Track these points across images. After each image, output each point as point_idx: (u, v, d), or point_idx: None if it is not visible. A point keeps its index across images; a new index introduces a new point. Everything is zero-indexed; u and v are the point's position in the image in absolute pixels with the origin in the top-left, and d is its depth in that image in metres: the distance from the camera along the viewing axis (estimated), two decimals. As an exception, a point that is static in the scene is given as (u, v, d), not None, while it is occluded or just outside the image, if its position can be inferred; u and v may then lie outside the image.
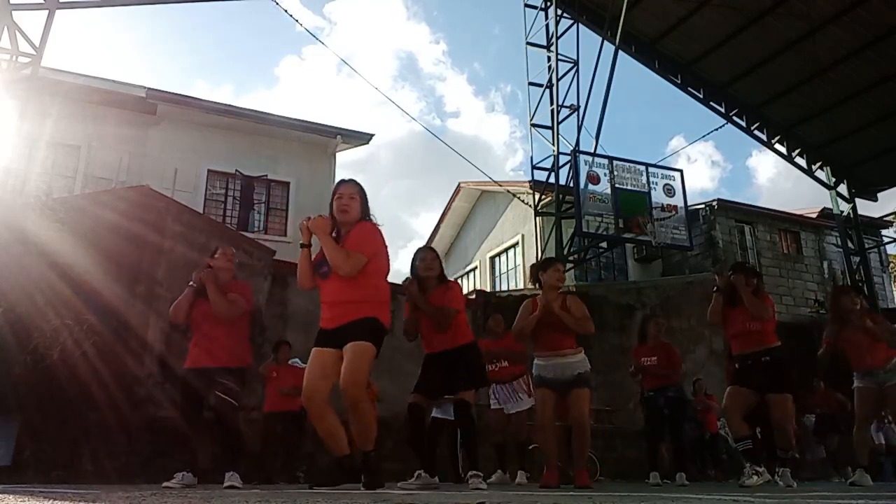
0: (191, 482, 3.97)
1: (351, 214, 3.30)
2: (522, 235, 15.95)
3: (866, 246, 15.35)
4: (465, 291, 16.90)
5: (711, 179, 67.39)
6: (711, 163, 68.12)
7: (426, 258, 4.20)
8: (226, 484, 3.98)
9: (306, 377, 3.19)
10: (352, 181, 3.42)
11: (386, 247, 3.37)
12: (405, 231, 62.61)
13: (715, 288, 4.89)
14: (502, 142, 77.56)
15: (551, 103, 13.31)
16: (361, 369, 3.12)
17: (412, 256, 4.31)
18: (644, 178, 12.35)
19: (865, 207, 15.70)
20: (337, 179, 3.52)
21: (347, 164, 59.60)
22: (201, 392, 4.14)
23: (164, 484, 3.89)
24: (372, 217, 3.40)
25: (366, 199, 3.40)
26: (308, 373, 3.21)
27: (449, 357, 3.97)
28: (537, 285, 4.60)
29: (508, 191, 15.07)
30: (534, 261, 5.34)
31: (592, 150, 12.27)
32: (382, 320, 3.24)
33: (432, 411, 5.80)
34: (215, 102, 12.85)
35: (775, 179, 63.16)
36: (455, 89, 75.90)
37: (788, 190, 58.71)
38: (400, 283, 4.26)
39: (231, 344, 4.22)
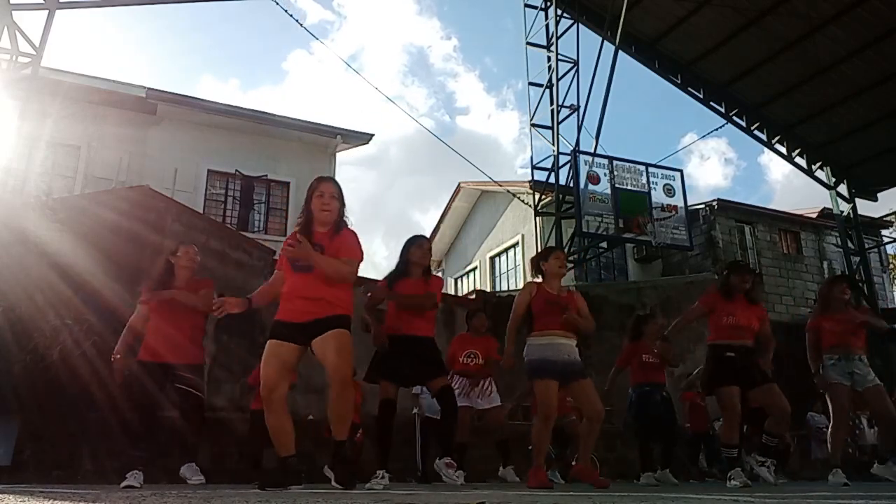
0: (141, 481, 3.82)
1: (332, 214, 3.35)
2: (522, 235, 15.95)
3: (866, 246, 15.35)
4: (465, 291, 16.88)
5: (725, 178, 67.22)
6: (725, 160, 67.86)
7: (423, 247, 4.27)
8: (192, 479, 3.97)
9: (268, 370, 3.16)
10: (332, 179, 3.45)
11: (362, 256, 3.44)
12: (414, 228, 62.57)
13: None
14: (512, 139, 77.52)
15: (551, 103, 13.31)
16: (350, 353, 3.19)
17: (407, 242, 4.30)
18: (644, 178, 12.36)
19: (865, 207, 15.74)
20: (341, 178, 3.57)
21: (356, 160, 59.41)
22: (160, 386, 4.11)
23: (123, 484, 3.72)
24: (347, 219, 3.44)
25: (343, 199, 3.42)
26: (269, 366, 3.16)
27: (426, 343, 4.05)
28: (540, 276, 4.50)
29: (508, 191, 15.07)
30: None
31: (592, 150, 12.28)
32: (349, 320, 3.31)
33: (421, 409, 5.84)
34: (215, 102, 12.85)
35: (790, 176, 63.03)
36: (466, 85, 75.81)
37: (801, 187, 58.60)
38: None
39: (191, 340, 4.24)
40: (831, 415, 4.93)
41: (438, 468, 3.96)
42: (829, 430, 4.95)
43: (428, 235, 20.11)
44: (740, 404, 4.56)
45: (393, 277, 4.27)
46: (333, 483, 3.16)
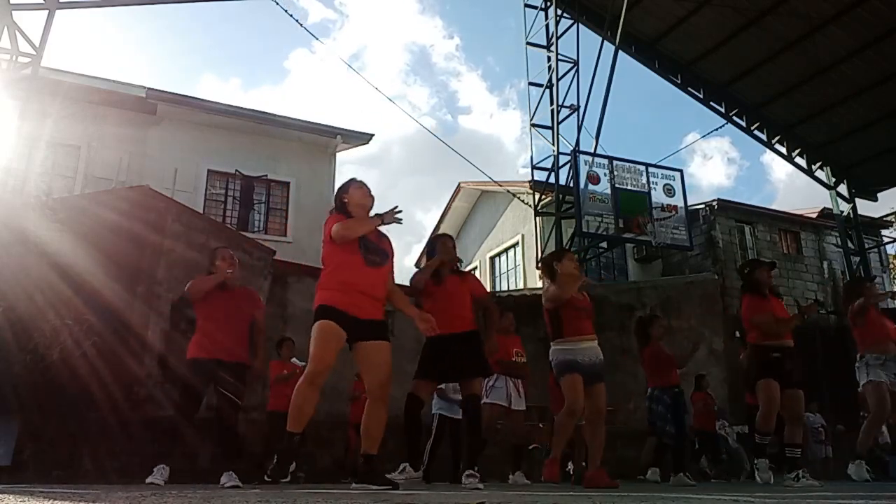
0: (166, 476, 3.92)
1: (372, 204, 3.53)
2: (522, 235, 15.95)
3: (866, 246, 15.35)
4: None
5: (728, 177, 67.06)
6: (728, 160, 67.69)
7: (448, 244, 4.33)
8: (229, 484, 3.98)
9: (328, 353, 3.20)
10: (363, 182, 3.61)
11: None
12: (416, 228, 62.55)
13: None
14: (514, 138, 77.32)
15: (551, 103, 13.31)
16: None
17: (430, 242, 4.43)
18: (644, 178, 12.35)
19: (865, 207, 15.73)
20: (341, 178, 3.73)
21: (358, 160, 59.38)
22: (205, 383, 4.20)
23: (148, 480, 3.85)
24: None
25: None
26: (329, 348, 3.19)
27: (468, 339, 4.03)
28: (548, 280, 4.50)
29: (508, 191, 15.07)
30: (534, 261, 5.33)
31: (592, 150, 12.28)
32: None
33: (434, 407, 5.83)
34: (215, 102, 12.85)
35: (792, 175, 62.95)
36: (468, 85, 75.71)
37: (803, 186, 58.36)
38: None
39: (237, 341, 4.33)
40: (870, 409, 4.96)
41: (468, 482, 3.85)
42: (866, 422, 4.99)
43: (428, 235, 20.13)
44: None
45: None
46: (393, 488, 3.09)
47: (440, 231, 19.18)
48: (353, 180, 3.56)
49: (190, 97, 12.68)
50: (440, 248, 4.27)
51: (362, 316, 3.22)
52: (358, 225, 3.30)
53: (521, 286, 15.13)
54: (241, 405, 4.33)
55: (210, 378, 4.19)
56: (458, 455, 5.71)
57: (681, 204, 12.48)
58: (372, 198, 3.50)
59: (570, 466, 6.53)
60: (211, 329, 4.27)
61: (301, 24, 10.94)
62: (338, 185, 3.65)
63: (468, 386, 4.00)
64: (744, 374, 5.13)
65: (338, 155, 13.74)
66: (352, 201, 3.43)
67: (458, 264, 4.37)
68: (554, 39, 13.49)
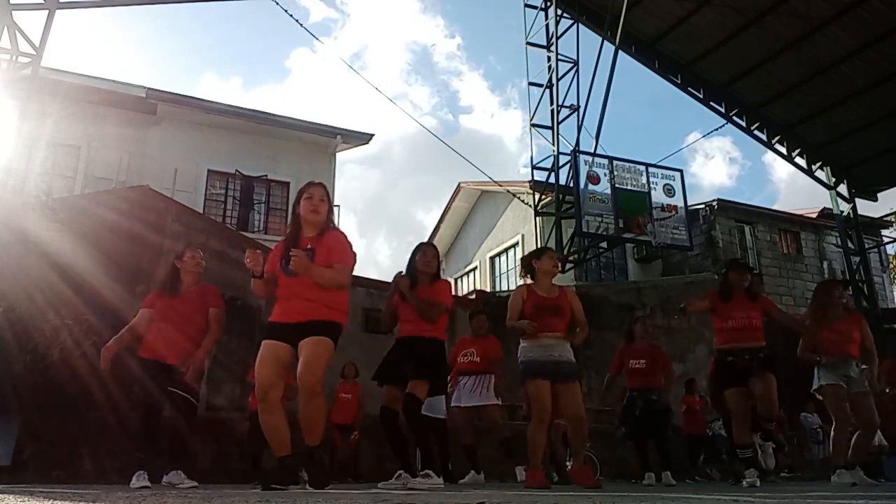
0: (146, 482, 3.85)
1: (321, 216, 3.43)
2: (522, 235, 15.96)
3: (866, 246, 15.34)
4: (465, 291, 16.76)
5: (730, 177, 66.94)
6: (729, 160, 67.55)
7: (427, 254, 4.29)
8: (189, 485, 3.95)
9: (262, 370, 3.19)
10: (321, 184, 3.54)
11: (355, 257, 3.50)
12: (416, 228, 62.50)
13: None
14: (515, 138, 77.21)
15: (551, 103, 13.31)
16: (321, 362, 3.20)
17: (412, 251, 4.36)
18: (644, 178, 12.35)
19: (865, 207, 15.73)
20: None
21: (359, 159, 59.12)
22: (160, 385, 4.12)
23: (137, 485, 3.78)
24: (334, 223, 3.54)
25: (331, 203, 3.52)
26: (265, 366, 3.20)
27: (431, 344, 4.02)
28: (528, 276, 4.46)
29: (508, 191, 15.07)
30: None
31: (592, 150, 12.27)
32: (343, 326, 3.36)
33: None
34: (215, 102, 12.86)
35: (794, 175, 62.73)
36: (469, 84, 75.49)
37: (805, 186, 58.27)
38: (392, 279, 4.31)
39: (185, 346, 4.24)
40: (832, 416, 4.86)
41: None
42: (832, 431, 4.90)
43: (428, 235, 20.14)
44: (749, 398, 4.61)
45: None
46: (307, 486, 3.14)
47: (440, 231, 19.25)
48: (306, 186, 3.49)
49: (190, 97, 12.70)
50: (419, 259, 4.22)
51: (297, 319, 3.22)
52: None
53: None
54: (196, 405, 4.26)
55: (161, 381, 4.11)
56: (445, 455, 5.70)
57: (681, 204, 12.47)
58: (319, 205, 3.39)
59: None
60: (158, 331, 4.21)
61: (301, 25, 10.94)
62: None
63: (412, 385, 3.92)
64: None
65: (338, 155, 13.74)
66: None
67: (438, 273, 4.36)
68: (554, 39, 13.49)
